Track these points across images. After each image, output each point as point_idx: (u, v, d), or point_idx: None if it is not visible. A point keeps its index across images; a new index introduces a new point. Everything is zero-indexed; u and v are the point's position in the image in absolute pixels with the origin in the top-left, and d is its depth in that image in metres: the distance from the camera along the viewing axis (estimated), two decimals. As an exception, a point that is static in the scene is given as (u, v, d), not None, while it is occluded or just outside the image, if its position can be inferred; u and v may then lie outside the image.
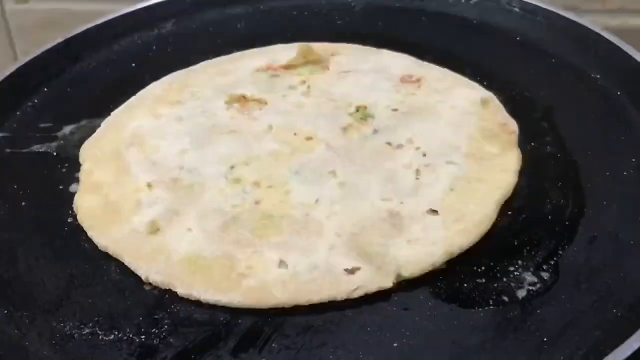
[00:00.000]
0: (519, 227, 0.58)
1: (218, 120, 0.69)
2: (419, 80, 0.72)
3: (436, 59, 0.76)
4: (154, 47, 0.83)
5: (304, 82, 0.73)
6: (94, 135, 0.69)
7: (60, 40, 0.80)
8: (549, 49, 0.78)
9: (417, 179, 0.61)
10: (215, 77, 0.75)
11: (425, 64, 0.76)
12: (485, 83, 0.73)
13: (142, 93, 0.74)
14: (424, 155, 0.63)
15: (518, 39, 0.80)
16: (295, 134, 0.66)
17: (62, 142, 0.70)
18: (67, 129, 0.71)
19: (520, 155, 0.64)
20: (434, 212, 0.58)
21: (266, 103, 0.71)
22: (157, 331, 0.51)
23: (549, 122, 0.68)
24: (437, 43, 0.80)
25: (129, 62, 0.81)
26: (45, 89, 0.77)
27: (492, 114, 0.68)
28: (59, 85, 0.78)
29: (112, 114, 0.72)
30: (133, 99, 0.73)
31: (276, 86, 0.73)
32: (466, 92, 0.71)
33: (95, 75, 0.79)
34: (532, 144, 0.66)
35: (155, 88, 0.75)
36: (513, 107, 0.70)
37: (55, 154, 0.68)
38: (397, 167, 0.62)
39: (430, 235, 0.56)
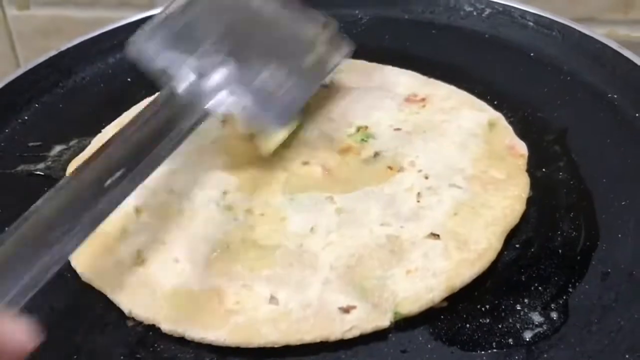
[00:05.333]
0: (527, 261, 0.55)
1: (212, 139, 0.66)
2: (423, 99, 0.69)
3: (444, 74, 0.73)
4: (151, 61, 0.80)
5: (301, 101, 0.70)
6: (83, 153, 0.67)
7: (53, 52, 0.77)
8: (563, 66, 0.74)
9: (418, 202, 0.58)
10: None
11: (432, 80, 0.72)
12: (495, 102, 0.69)
13: (135, 109, 0.71)
14: (426, 177, 0.60)
15: (531, 54, 0.77)
16: (291, 158, 0.63)
17: (50, 162, 0.67)
18: (57, 149, 0.69)
19: (529, 181, 0.60)
20: (435, 236, 0.55)
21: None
22: (138, 372, 0.49)
23: (561, 145, 0.65)
24: (446, 58, 0.77)
25: (124, 76, 0.78)
26: (36, 105, 0.74)
27: (499, 136, 0.65)
28: (50, 100, 0.75)
29: (103, 130, 0.69)
30: (125, 115, 0.71)
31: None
32: (472, 112, 0.68)
33: (89, 90, 0.77)
34: (543, 169, 0.63)
35: (148, 105, 0.71)
36: (524, 128, 0.66)
37: (42, 174, 0.66)
38: (398, 191, 0.59)
39: (431, 264, 0.53)
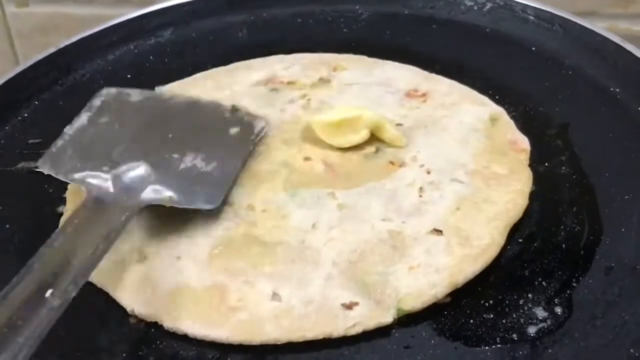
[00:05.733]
0: (530, 256, 0.55)
1: (212, 136, 0.65)
2: (424, 95, 0.69)
3: (445, 69, 0.73)
4: (151, 57, 0.80)
5: (304, 96, 0.70)
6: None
7: (52, 49, 0.77)
8: (565, 60, 0.74)
9: (420, 196, 0.58)
10: (211, 91, 0.71)
11: (433, 75, 0.72)
12: (496, 97, 0.69)
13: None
14: (428, 172, 0.60)
15: (533, 48, 0.77)
16: (292, 153, 0.63)
17: (50, 159, 0.66)
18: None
19: (531, 176, 0.60)
20: (438, 231, 0.55)
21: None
22: (141, 370, 0.49)
23: (563, 139, 0.65)
24: (447, 53, 0.76)
25: (124, 73, 0.78)
26: (36, 102, 0.74)
27: (500, 131, 0.64)
28: (50, 97, 0.75)
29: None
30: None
31: (274, 100, 0.69)
32: (474, 107, 0.67)
33: (88, 86, 0.75)
34: (546, 164, 0.62)
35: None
36: (526, 123, 0.66)
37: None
38: (400, 186, 0.59)
39: (433, 260, 0.53)
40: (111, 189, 0.56)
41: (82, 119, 0.63)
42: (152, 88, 0.73)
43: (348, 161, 0.62)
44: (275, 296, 0.51)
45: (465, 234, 0.55)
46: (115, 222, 0.53)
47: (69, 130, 0.62)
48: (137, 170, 0.57)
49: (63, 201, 0.62)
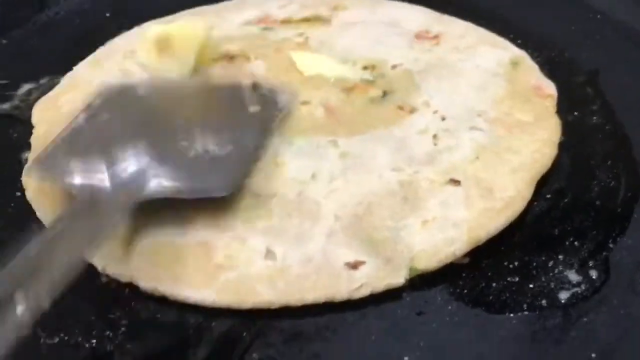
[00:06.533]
0: (560, 213, 0.50)
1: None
2: (436, 37, 0.63)
3: (460, 12, 0.67)
4: (134, -6, 0.75)
5: (301, 34, 0.64)
6: (51, 92, 0.61)
7: (24, -16, 0.71)
8: (594, 1, 0.69)
9: (435, 144, 0.52)
10: (197, 30, 0.65)
11: (446, 17, 0.66)
12: (518, 41, 0.64)
13: (111, 45, 0.65)
14: (443, 119, 0.55)
15: (558, -12, 0.72)
16: (289, 97, 0.57)
17: (17, 102, 0.61)
18: (25, 87, 0.63)
19: (559, 124, 0.55)
20: (455, 182, 0.50)
21: (255, 59, 0.61)
22: (111, 334, 0.44)
23: (594, 87, 0.60)
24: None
25: (102, 11, 0.73)
26: (4, 41, 0.69)
27: (523, 76, 0.59)
28: (20, 36, 0.69)
29: (75, 68, 0.63)
30: (100, 50, 0.65)
31: (267, 39, 0.63)
32: (493, 50, 0.62)
33: (63, 25, 0.71)
34: (575, 112, 0.57)
35: (127, 40, 0.65)
36: (551, 69, 0.61)
37: (9, 115, 0.60)
38: (411, 133, 0.53)
39: (450, 213, 0.48)
40: (108, 187, 0.49)
41: (79, 119, 0.55)
42: (132, 27, 0.66)
43: (351, 105, 0.56)
44: (269, 254, 0.46)
45: (486, 184, 0.49)
46: (106, 220, 0.47)
47: (62, 133, 0.54)
48: (137, 164, 0.50)
49: (28, 147, 0.56)
